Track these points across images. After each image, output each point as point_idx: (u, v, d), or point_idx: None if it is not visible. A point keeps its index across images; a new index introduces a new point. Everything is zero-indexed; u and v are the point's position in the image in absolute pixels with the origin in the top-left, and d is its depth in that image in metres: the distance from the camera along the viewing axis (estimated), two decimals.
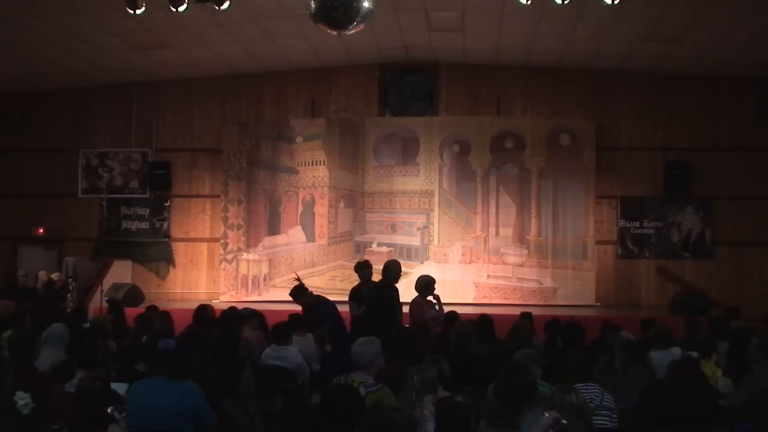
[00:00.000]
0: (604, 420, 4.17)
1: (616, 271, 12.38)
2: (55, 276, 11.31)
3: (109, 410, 4.14)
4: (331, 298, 8.44)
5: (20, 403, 3.78)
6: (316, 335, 7.28)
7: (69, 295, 11.00)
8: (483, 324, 6.34)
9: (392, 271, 7.52)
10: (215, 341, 5.26)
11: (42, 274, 11.29)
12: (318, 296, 8.16)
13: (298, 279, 8.19)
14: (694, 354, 5.66)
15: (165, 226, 13.25)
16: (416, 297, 7.47)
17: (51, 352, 5.40)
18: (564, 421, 3.11)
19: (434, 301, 7.41)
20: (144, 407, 4.16)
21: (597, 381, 4.56)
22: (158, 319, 7.32)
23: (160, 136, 13.35)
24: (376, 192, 12.75)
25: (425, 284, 7.51)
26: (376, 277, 7.87)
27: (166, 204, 13.27)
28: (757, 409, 3.73)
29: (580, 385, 4.27)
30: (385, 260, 8.01)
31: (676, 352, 5.74)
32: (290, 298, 8.07)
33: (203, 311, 7.41)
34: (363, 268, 8.05)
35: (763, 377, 4.58)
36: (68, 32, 10.70)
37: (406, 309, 7.56)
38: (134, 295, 11.45)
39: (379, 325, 6.51)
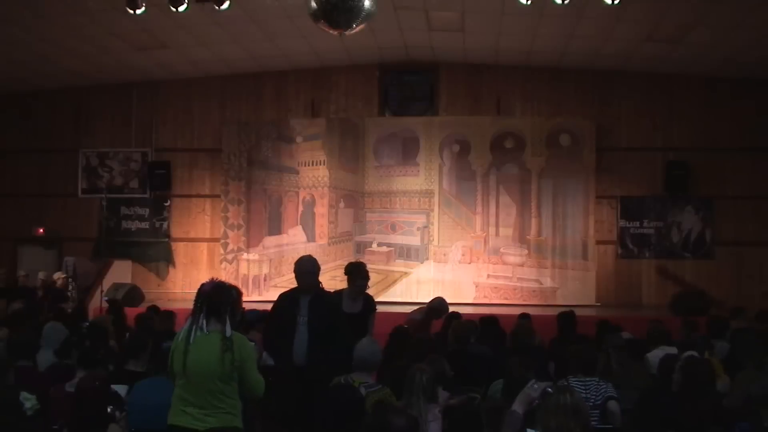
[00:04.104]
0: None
1: (616, 271, 12.37)
2: (57, 275, 11.29)
3: (109, 410, 4.15)
4: None
5: (26, 405, 3.80)
6: None
7: (69, 295, 10.98)
8: (487, 325, 6.33)
9: (298, 272, 5.27)
10: None
11: (42, 275, 11.26)
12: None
13: None
14: (695, 354, 5.65)
15: (165, 226, 13.24)
16: (415, 311, 7.34)
17: (51, 352, 5.41)
18: (550, 389, 3.12)
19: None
20: (145, 406, 4.17)
21: None
22: (158, 319, 7.32)
23: (160, 136, 13.34)
24: (376, 192, 12.74)
25: (437, 308, 7.22)
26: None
27: (166, 204, 13.26)
28: (755, 409, 3.73)
29: (594, 379, 4.30)
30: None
31: (672, 351, 5.73)
32: None
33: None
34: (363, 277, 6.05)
35: (753, 379, 4.57)
36: (68, 32, 10.69)
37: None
38: (134, 295, 11.44)
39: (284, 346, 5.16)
